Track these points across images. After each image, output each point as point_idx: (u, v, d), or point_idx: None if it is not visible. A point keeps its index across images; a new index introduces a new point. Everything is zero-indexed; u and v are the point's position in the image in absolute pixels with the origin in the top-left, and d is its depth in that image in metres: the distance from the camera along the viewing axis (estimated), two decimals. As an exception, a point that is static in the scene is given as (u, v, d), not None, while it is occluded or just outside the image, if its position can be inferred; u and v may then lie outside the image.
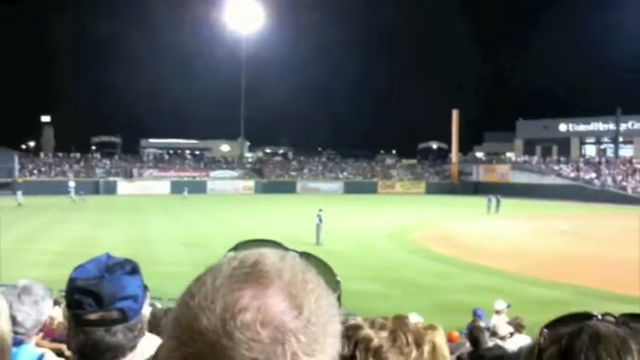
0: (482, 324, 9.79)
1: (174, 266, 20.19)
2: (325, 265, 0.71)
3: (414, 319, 9.55)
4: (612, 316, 0.87)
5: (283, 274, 0.64)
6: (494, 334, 5.90)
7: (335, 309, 0.65)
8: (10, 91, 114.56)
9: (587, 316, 0.86)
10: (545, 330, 0.92)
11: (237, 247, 0.74)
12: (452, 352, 6.56)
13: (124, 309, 1.51)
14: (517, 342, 6.71)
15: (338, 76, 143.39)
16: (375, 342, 1.44)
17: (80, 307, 1.51)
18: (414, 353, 1.41)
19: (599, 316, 0.88)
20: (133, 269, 1.58)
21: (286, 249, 0.71)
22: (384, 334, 1.46)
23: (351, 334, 1.51)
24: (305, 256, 0.71)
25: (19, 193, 51.72)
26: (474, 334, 5.53)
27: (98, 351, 1.48)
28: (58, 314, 4.92)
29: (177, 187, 71.19)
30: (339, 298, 0.67)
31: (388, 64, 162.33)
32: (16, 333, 2.40)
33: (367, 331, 1.48)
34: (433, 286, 19.03)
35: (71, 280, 1.56)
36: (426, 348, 1.44)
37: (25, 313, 2.39)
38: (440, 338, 4.32)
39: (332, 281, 0.69)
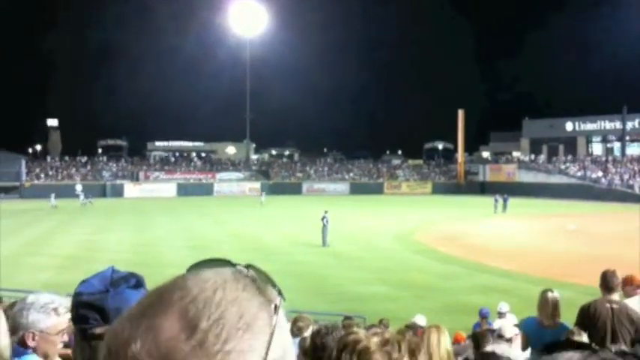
0: (488, 325, 9.80)
1: (181, 269, 20.10)
2: (266, 276, 0.69)
3: (420, 320, 9.56)
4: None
5: (186, 296, 0.63)
6: (500, 336, 5.89)
7: (249, 323, 0.62)
8: (16, 96, 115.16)
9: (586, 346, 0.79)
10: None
11: (189, 270, 0.73)
12: (458, 354, 6.56)
13: None
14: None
15: (343, 77, 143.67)
16: (362, 344, 1.46)
17: (85, 321, 1.53)
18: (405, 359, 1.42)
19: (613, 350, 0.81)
20: (138, 283, 1.59)
21: (234, 265, 0.69)
22: (376, 339, 1.48)
23: (341, 339, 1.54)
24: (249, 268, 0.69)
25: (53, 196, 52.53)
26: (476, 337, 5.55)
27: None
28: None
29: (183, 190, 71.39)
30: (276, 307, 0.65)
31: (393, 64, 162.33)
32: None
33: (356, 336, 1.50)
34: (440, 287, 19.00)
35: (76, 295, 1.58)
36: (421, 358, 1.45)
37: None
38: (443, 337, 4.32)
39: (272, 292, 0.67)
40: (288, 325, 0.68)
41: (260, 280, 0.67)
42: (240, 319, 0.61)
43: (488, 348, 5.27)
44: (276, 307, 0.65)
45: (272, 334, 0.63)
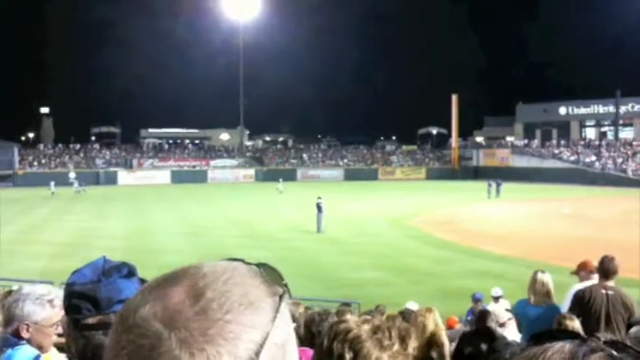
0: (481, 307, 9.86)
1: (176, 256, 20.25)
2: (277, 273, 0.73)
3: (412, 307, 9.60)
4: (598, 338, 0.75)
5: (198, 273, 0.68)
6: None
7: (252, 302, 0.65)
8: (8, 83, 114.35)
9: (575, 335, 0.75)
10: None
11: None
12: (452, 340, 6.60)
13: None
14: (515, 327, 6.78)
15: (336, 63, 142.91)
16: (353, 333, 1.47)
17: (78, 311, 1.53)
18: (396, 347, 1.44)
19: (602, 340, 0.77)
20: (130, 272, 1.60)
21: (249, 264, 0.73)
22: (366, 327, 1.49)
23: (332, 328, 1.55)
24: (260, 266, 0.73)
25: (52, 183, 52.58)
26: (481, 316, 5.60)
27: (99, 355, 1.49)
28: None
29: (177, 177, 71.26)
30: (280, 298, 0.68)
31: (387, 49, 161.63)
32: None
33: (347, 324, 1.51)
34: (434, 272, 19.09)
35: (68, 285, 1.58)
36: (412, 344, 1.47)
37: None
38: (435, 318, 4.35)
39: (279, 285, 0.71)
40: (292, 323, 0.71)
41: (270, 278, 0.71)
42: (244, 296, 0.65)
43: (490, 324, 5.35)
44: (281, 298, 0.69)
45: (274, 317, 0.66)
